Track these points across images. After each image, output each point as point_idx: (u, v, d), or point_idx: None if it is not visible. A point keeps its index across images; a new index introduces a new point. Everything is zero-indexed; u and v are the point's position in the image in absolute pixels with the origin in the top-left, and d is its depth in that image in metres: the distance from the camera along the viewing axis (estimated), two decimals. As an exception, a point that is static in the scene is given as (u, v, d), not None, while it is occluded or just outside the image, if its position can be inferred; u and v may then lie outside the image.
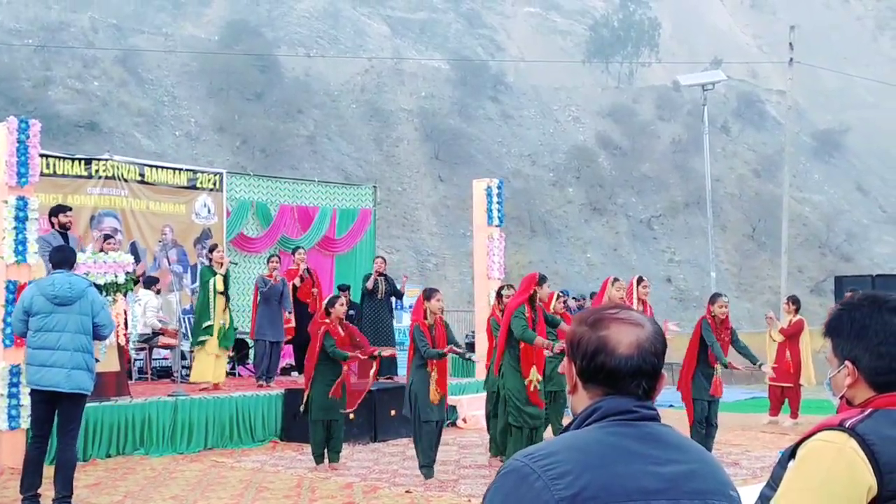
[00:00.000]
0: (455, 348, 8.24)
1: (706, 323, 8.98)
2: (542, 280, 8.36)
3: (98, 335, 6.87)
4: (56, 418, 6.72)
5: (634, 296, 9.53)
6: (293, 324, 11.95)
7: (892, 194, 68.47)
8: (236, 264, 12.61)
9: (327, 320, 8.53)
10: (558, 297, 10.17)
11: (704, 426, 8.93)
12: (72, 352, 6.57)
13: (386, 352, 9.48)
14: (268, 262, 12.17)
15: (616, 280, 9.50)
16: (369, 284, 12.48)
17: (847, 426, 1.94)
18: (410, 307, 13.88)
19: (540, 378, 8.21)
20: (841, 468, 1.89)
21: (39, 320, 6.62)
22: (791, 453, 2.00)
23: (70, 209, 9.85)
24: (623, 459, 1.70)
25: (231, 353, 11.87)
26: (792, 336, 12.16)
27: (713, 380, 8.89)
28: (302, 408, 8.61)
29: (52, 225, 9.50)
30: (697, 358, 8.96)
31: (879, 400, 2.01)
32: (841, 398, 2.14)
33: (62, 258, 6.88)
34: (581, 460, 1.68)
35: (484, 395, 10.05)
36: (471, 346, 14.54)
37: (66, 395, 6.57)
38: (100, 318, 6.76)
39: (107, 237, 9.92)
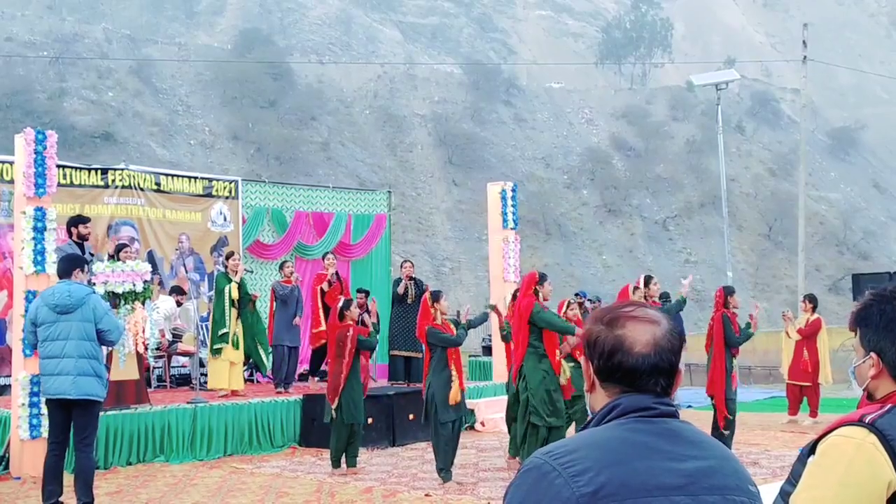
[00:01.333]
0: (471, 318, 8.37)
1: (727, 319, 8.90)
2: (542, 278, 8.32)
3: (103, 341, 6.85)
4: (72, 426, 6.81)
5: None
6: (323, 327, 11.83)
7: (909, 191, 68.03)
8: (251, 272, 12.62)
9: (348, 324, 8.56)
10: (569, 304, 10.08)
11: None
12: (76, 359, 6.61)
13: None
14: (281, 268, 12.18)
15: (637, 288, 9.47)
16: (400, 289, 12.43)
17: (867, 421, 1.93)
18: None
19: (570, 372, 8.26)
20: (861, 463, 1.88)
21: (44, 330, 6.72)
22: (811, 449, 1.99)
23: (89, 220, 9.87)
24: (643, 456, 1.71)
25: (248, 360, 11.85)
26: (810, 335, 12.11)
27: (732, 374, 8.86)
28: (334, 413, 8.55)
29: (71, 235, 9.55)
30: (725, 356, 8.87)
31: (900, 395, 2.00)
32: (864, 390, 2.14)
33: (63, 268, 6.97)
34: (601, 457, 1.69)
35: (501, 398, 10.05)
36: (487, 350, 14.55)
37: (76, 402, 6.66)
38: (103, 323, 6.74)
39: (123, 246, 9.95)
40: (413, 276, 12.67)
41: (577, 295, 16.04)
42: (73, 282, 6.85)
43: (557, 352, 8.19)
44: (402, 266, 12.93)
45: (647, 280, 9.53)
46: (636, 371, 1.78)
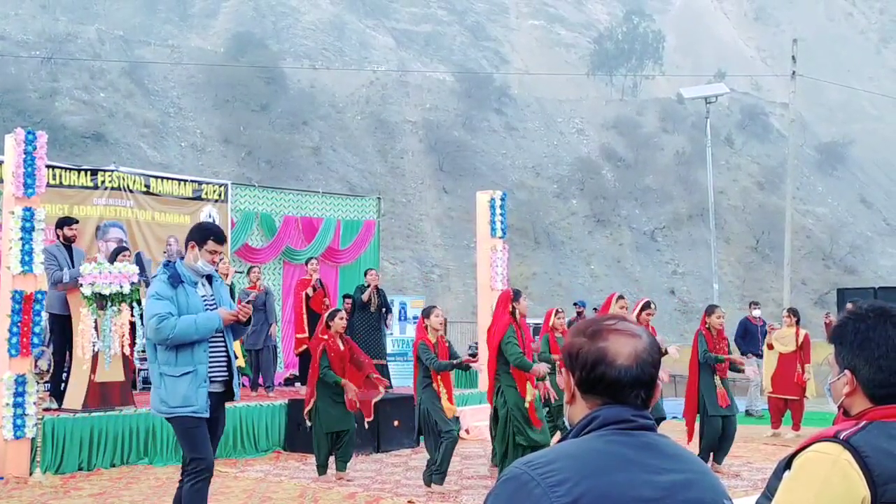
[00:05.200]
0: (461, 360, 8.23)
1: (702, 337, 8.99)
2: (517, 295, 8.24)
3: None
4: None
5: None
6: (306, 333, 11.90)
7: (895, 207, 68.43)
8: (242, 273, 12.63)
9: (326, 336, 8.57)
10: (557, 313, 10.10)
11: (718, 443, 8.90)
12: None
13: (381, 385, 9.22)
14: (248, 273, 12.20)
15: (621, 297, 9.43)
16: (365, 297, 12.46)
17: (842, 438, 1.96)
18: (415, 318, 13.91)
19: (536, 394, 8.14)
20: (835, 479, 1.91)
21: None
22: (787, 464, 2.02)
23: (76, 222, 9.86)
24: (621, 468, 1.73)
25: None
26: (802, 349, 12.16)
27: (717, 391, 8.88)
28: (308, 422, 8.62)
29: (58, 237, 9.56)
30: (699, 373, 8.96)
31: (875, 412, 2.03)
32: (839, 407, 2.17)
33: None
34: (579, 468, 1.71)
35: (486, 406, 10.05)
36: (473, 357, 14.58)
37: None
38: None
39: (122, 249, 9.96)
40: (378, 285, 12.69)
41: (575, 304, 16.11)
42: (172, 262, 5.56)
43: (528, 387, 8.06)
44: (366, 273, 12.93)
45: (646, 305, 9.31)
46: (618, 383, 1.81)
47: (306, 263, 12.69)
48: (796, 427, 12.00)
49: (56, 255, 9.26)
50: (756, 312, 14.09)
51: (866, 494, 1.90)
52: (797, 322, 12.37)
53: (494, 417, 8.24)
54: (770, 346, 12.41)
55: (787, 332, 12.40)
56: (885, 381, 2.04)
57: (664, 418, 9.16)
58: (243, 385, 12.23)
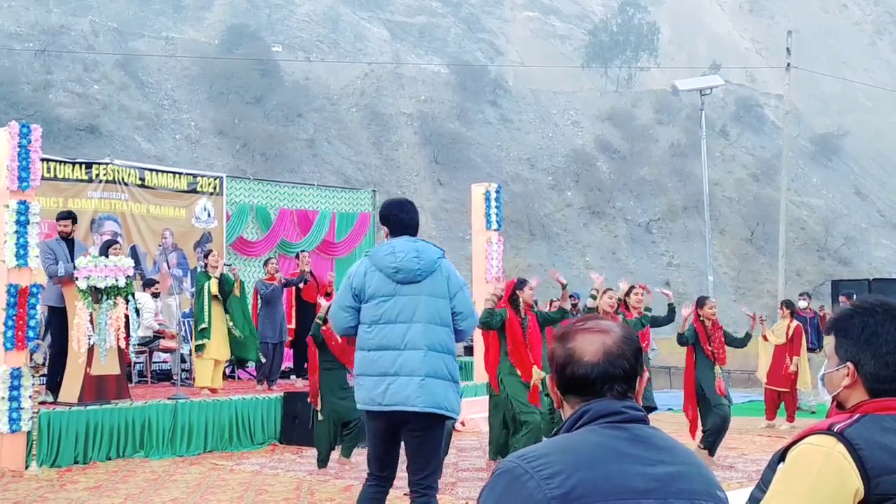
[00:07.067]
0: None
1: (691, 328, 8.99)
2: (520, 284, 8.23)
3: (456, 328, 4.76)
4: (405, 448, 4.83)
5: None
6: (293, 325, 11.97)
7: (889, 198, 68.63)
8: (230, 265, 12.58)
9: (324, 328, 8.58)
10: (552, 303, 10.13)
11: (716, 433, 8.91)
12: (425, 352, 4.62)
13: None
14: (265, 265, 12.19)
15: (608, 290, 9.43)
16: None
17: (836, 430, 1.97)
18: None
19: (543, 375, 8.14)
20: (829, 472, 1.92)
21: (376, 307, 4.66)
22: (781, 456, 2.03)
23: (69, 217, 9.76)
24: (613, 460, 1.75)
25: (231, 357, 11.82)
26: (792, 341, 12.19)
27: (717, 382, 8.88)
28: (319, 415, 8.61)
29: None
30: (696, 365, 8.94)
31: (869, 405, 2.04)
32: (833, 399, 2.17)
33: (404, 221, 4.89)
34: (572, 460, 1.73)
35: (482, 398, 10.07)
36: (469, 350, 14.59)
37: (415, 415, 4.62)
38: (457, 302, 4.71)
39: (112, 243, 9.93)
40: None
41: (571, 296, 16.13)
42: (420, 239, 4.89)
43: (535, 369, 8.07)
44: None
45: (631, 289, 9.31)
46: (587, 379, 1.84)
47: (297, 257, 12.70)
48: (790, 419, 12.05)
49: (54, 249, 9.25)
50: (802, 304, 13.75)
51: (860, 487, 1.91)
52: (792, 314, 12.40)
53: (494, 407, 8.25)
54: (765, 338, 12.46)
55: (781, 324, 12.46)
56: (890, 377, 2.05)
57: (655, 408, 9.15)
58: (251, 377, 12.27)
